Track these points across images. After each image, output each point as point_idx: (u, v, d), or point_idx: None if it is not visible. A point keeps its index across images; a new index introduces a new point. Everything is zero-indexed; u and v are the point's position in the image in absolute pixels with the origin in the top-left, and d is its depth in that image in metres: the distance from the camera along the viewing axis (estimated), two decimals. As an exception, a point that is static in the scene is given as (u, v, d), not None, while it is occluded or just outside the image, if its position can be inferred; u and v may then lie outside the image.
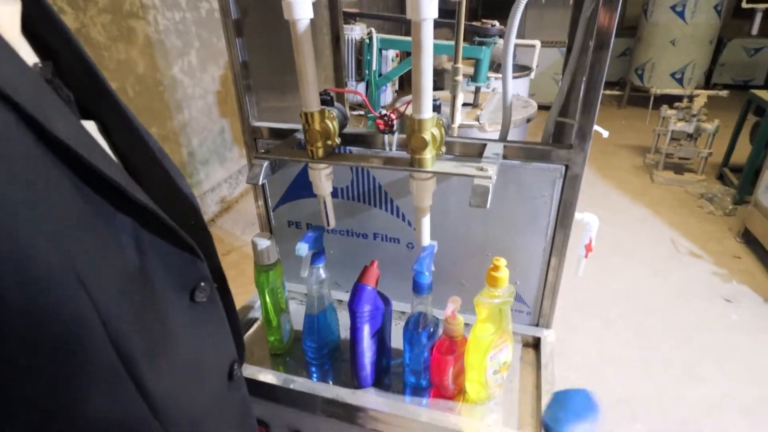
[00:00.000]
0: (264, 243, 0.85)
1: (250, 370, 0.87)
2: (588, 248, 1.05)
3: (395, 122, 0.80)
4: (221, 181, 3.15)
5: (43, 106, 0.31)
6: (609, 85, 5.43)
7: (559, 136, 0.95)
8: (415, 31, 0.60)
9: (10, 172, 0.28)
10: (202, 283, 0.47)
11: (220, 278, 0.56)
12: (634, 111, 5.03)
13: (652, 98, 4.19)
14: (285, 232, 1.07)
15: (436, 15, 0.59)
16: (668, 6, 4.41)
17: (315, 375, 0.93)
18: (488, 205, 0.65)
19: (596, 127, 0.75)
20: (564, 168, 0.78)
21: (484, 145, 0.79)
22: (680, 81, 4.64)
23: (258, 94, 0.97)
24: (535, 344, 0.95)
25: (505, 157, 0.81)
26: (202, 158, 2.95)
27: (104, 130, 0.45)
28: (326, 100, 0.75)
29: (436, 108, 0.68)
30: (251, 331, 1.05)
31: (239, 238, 2.83)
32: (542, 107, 2.06)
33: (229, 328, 0.54)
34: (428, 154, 0.68)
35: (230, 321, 0.56)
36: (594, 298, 2.26)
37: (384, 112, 0.75)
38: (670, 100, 3.57)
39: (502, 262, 0.72)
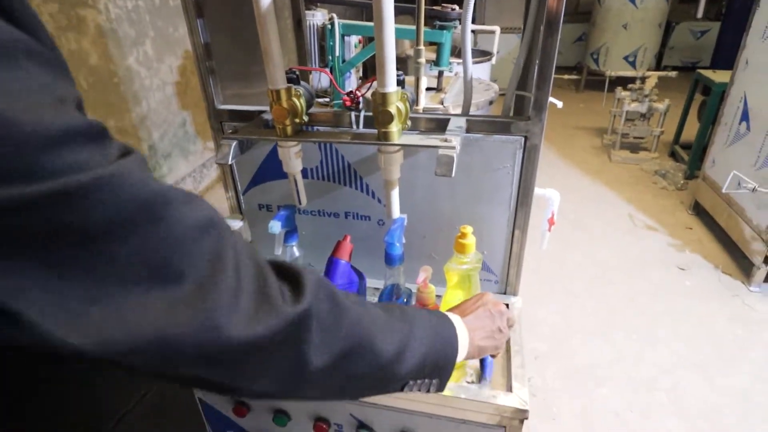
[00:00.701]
0: (236, 225, 0.85)
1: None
2: (551, 222, 1.10)
3: (361, 99, 0.82)
4: (185, 175, 3.08)
5: None
6: (567, 69, 5.60)
7: (520, 111, 0.99)
8: (376, 5, 0.61)
9: None
10: None
11: None
12: (591, 94, 5.21)
13: (607, 81, 4.35)
14: (256, 215, 1.07)
15: (396, -11, 0.60)
16: (619, -10, 4.58)
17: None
18: (453, 174, 0.68)
19: (551, 99, 0.79)
20: (523, 139, 0.82)
21: (448, 120, 0.81)
22: (633, 64, 4.83)
23: (222, 81, 0.97)
24: (504, 311, 1.00)
25: (468, 130, 0.84)
26: (164, 152, 2.87)
27: None
28: (292, 79, 0.76)
29: (400, 83, 0.70)
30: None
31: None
32: (504, 92, 2.11)
33: None
34: (394, 128, 0.70)
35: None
36: (558, 273, 2.35)
37: (350, 89, 0.77)
38: (625, 82, 3.72)
39: (468, 229, 0.75)
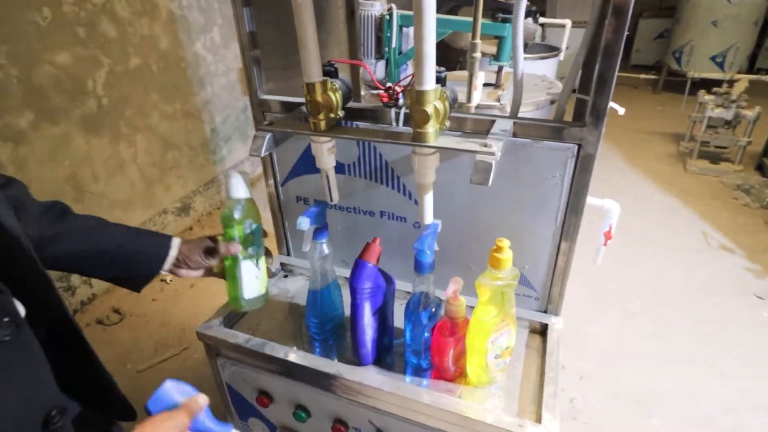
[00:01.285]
0: (235, 178, 0.80)
1: (254, 342, 0.88)
2: (607, 236, 1.00)
3: (400, 95, 0.77)
4: (243, 159, 3.18)
5: None
6: (644, 68, 5.20)
7: (579, 116, 0.90)
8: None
9: None
10: (5, 319, 0.45)
11: (58, 320, 0.55)
12: (669, 96, 4.80)
13: (689, 83, 3.98)
14: (293, 207, 1.07)
15: (438, -21, 0.56)
16: (712, -16, 4.16)
17: (318, 350, 0.93)
18: (490, 183, 0.62)
19: (612, 104, 0.71)
20: (577, 147, 0.75)
21: (493, 122, 0.75)
22: (721, 65, 4.39)
23: (271, 69, 0.96)
24: (542, 331, 0.92)
25: (515, 135, 0.78)
26: (225, 135, 2.98)
27: None
28: (330, 72, 0.73)
29: (441, 80, 0.65)
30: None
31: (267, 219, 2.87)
32: (573, 90, 1.97)
33: (47, 372, 0.51)
34: (430, 128, 0.65)
35: (82, 367, 0.56)
36: (615, 289, 2.19)
37: (389, 84, 0.73)
38: (709, 85, 3.38)
39: (505, 243, 0.70)
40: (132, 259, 0.75)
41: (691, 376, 1.75)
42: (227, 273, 0.83)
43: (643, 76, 4.64)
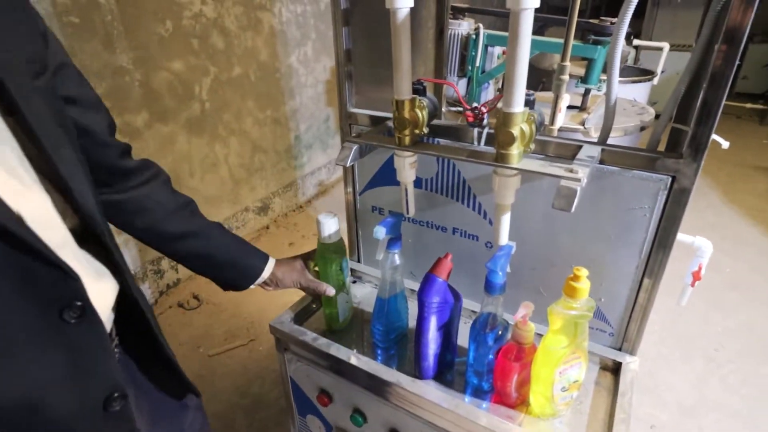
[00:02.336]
0: (327, 221, 0.88)
1: (321, 341, 0.92)
2: (696, 276, 0.94)
3: (485, 116, 0.78)
4: (321, 166, 3.32)
5: None
6: (751, 97, 4.75)
7: (674, 146, 0.85)
8: (513, 21, 0.58)
9: None
10: (77, 302, 0.48)
11: (130, 303, 0.60)
12: (781, 130, 4.34)
13: (807, 116, 3.57)
14: (369, 216, 1.11)
15: (537, 5, 0.56)
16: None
17: (380, 357, 0.95)
18: (573, 209, 0.61)
19: (714, 136, 0.67)
20: (670, 179, 0.71)
21: (580, 147, 0.74)
22: None
23: (358, 84, 1.01)
24: (615, 369, 0.88)
25: (602, 161, 0.76)
26: (307, 143, 3.14)
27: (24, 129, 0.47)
28: (418, 90, 0.76)
29: (529, 103, 0.65)
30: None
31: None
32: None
33: (111, 356, 0.54)
34: (515, 150, 0.65)
35: (150, 352, 0.61)
36: (701, 335, 2.01)
37: (476, 104, 0.74)
38: (833, 119, 3.02)
39: (583, 272, 0.68)
40: (231, 270, 0.85)
41: (785, 443, 1.56)
42: (323, 302, 0.99)
43: (749, 105, 4.24)
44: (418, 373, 0.87)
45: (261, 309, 2.21)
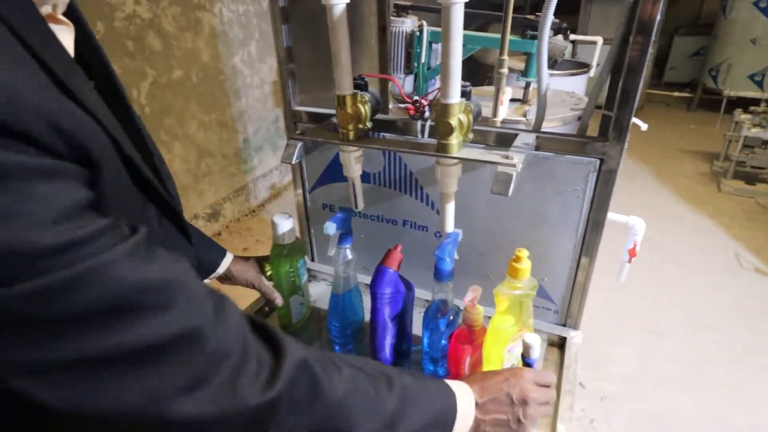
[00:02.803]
0: (281, 222, 0.89)
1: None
2: (632, 253, 1.00)
3: (426, 108, 0.81)
4: (273, 168, 3.27)
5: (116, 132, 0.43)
6: (679, 86, 5.10)
7: (604, 132, 0.91)
8: (444, 15, 0.60)
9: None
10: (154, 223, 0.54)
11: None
12: (704, 115, 4.69)
13: (724, 101, 3.88)
14: (320, 214, 1.11)
15: (465, -1, 0.59)
16: (750, 1, 4.06)
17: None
18: (510, 193, 0.64)
19: (635, 120, 0.72)
20: (599, 162, 0.76)
21: (516, 135, 0.78)
22: (759, 84, 4.26)
23: (302, 82, 1.01)
24: (561, 344, 0.93)
25: (538, 148, 0.80)
26: (257, 145, 3.08)
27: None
28: (360, 85, 0.77)
29: (465, 94, 0.68)
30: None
31: (285, 223, 2.94)
32: (599, 107, 1.97)
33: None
34: (454, 140, 0.68)
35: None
36: (642, 309, 2.14)
37: (417, 98, 0.77)
38: (746, 104, 3.30)
39: (524, 252, 0.71)
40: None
41: (717, 400, 1.70)
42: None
43: (677, 93, 4.55)
44: (375, 365, 0.88)
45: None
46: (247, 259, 0.94)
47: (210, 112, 2.63)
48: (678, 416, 1.64)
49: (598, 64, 2.97)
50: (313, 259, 1.19)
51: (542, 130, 0.81)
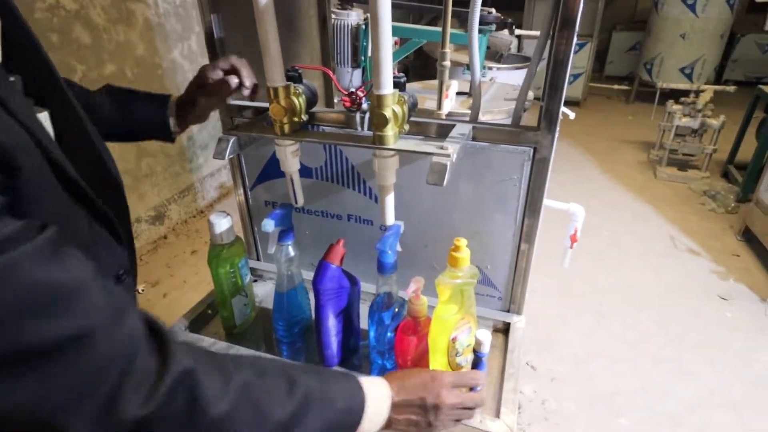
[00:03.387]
0: (219, 221, 0.85)
1: (219, 345, 0.88)
2: (573, 239, 1.04)
3: (363, 100, 0.80)
4: (221, 167, 3.16)
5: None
6: (617, 79, 5.36)
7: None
8: (372, 6, 0.59)
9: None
10: (121, 271, 0.56)
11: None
12: (641, 106, 4.95)
13: (657, 93, 4.12)
14: (262, 211, 1.08)
15: (391, -12, 0.58)
16: (679, -1, 4.33)
17: (285, 352, 0.93)
18: (445, 183, 0.65)
19: (564, 109, 0.74)
20: (532, 150, 0.78)
21: (452, 126, 0.78)
22: (689, 76, 4.55)
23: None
24: (506, 330, 0.95)
25: (474, 138, 0.81)
26: (202, 143, 2.96)
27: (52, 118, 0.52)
28: (293, 77, 0.75)
29: (399, 85, 0.67)
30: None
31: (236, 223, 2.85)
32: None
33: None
34: (389, 131, 0.67)
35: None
36: (588, 293, 2.24)
37: (352, 90, 0.75)
38: (679, 95, 3.51)
39: (462, 242, 0.72)
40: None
41: (659, 375, 1.80)
42: (218, 304, 0.94)
43: (616, 86, 4.77)
44: (322, 362, 0.87)
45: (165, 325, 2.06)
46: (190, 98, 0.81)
47: (150, 110, 2.50)
48: (624, 391, 1.73)
49: (543, 58, 3.08)
50: (258, 258, 1.16)
51: (480, 121, 0.82)
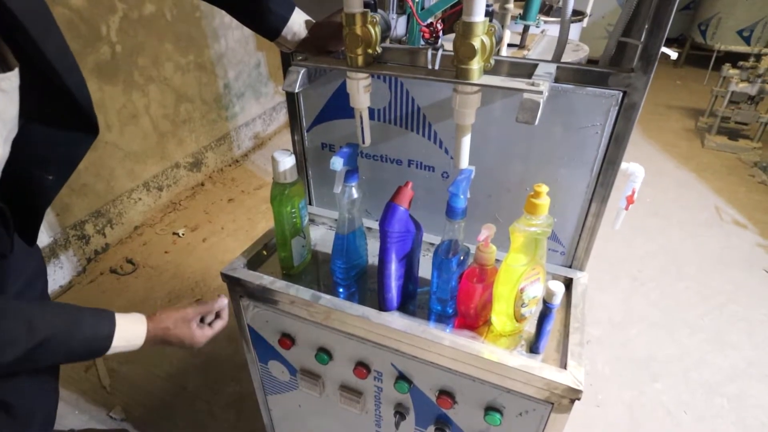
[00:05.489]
0: (283, 159, 0.83)
1: (279, 284, 0.88)
2: (629, 200, 0.99)
3: (441, 33, 0.75)
4: (256, 116, 3.14)
5: None
6: (667, 42, 5.03)
7: (617, 63, 0.87)
8: None
9: None
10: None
11: None
12: (691, 71, 4.68)
13: (714, 56, 3.87)
14: (318, 154, 1.05)
15: None
16: (746, -47, 3.98)
17: (342, 295, 0.93)
18: (536, 122, 0.61)
19: (664, 49, 0.68)
20: (622, 94, 0.72)
21: (536, 65, 0.73)
22: (748, 39, 4.25)
23: (302, 8, 0.93)
24: (567, 285, 0.92)
25: (557, 80, 0.75)
26: (238, 91, 2.93)
27: None
28: (369, 4, 0.70)
29: (489, 14, 0.63)
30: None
31: (270, 173, 2.86)
32: (591, 60, 1.92)
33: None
34: (475, 65, 0.63)
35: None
36: (626, 258, 2.20)
37: (430, 20, 0.70)
38: (733, 59, 3.28)
39: (543, 188, 0.68)
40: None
41: (696, 344, 1.77)
42: (278, 244, 0.95)
43: (664, 48, 4.50)
44: (382, 306, 0.86)
45: (205, 268, 2.11)
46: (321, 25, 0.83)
47: (187, 53, 2.46)
48: (660, 357, 1.72)
49: (591, 14, 2.89)
50: (311, 203, 1.15)
51: (563, 61, 0.76)
